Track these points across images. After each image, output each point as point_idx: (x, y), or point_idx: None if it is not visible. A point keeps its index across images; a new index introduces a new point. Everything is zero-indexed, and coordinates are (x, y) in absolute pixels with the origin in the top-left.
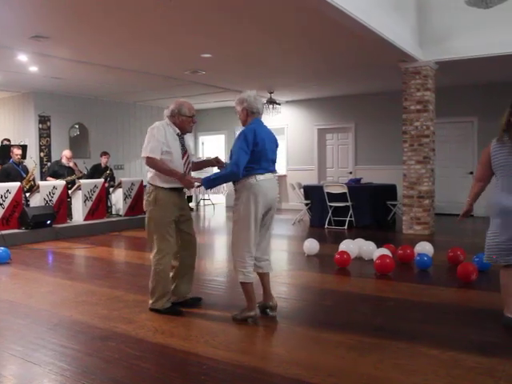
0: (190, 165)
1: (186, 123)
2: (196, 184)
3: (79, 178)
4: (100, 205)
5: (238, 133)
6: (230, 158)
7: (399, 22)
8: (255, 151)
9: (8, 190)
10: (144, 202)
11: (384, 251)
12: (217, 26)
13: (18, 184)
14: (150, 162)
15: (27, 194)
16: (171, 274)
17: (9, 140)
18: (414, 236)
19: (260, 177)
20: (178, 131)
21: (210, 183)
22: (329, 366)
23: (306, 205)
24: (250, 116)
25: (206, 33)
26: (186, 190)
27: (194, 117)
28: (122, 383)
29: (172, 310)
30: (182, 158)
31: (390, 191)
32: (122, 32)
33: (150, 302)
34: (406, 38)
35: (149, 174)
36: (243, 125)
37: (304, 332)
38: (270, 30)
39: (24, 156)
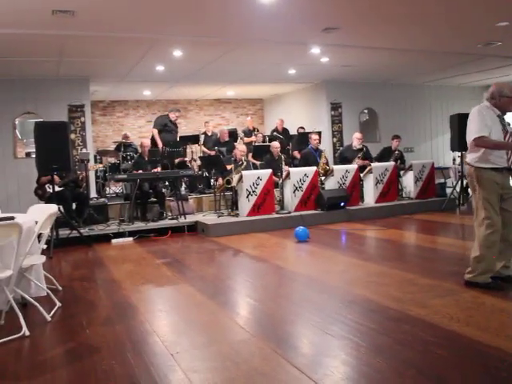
0: None
1: (507, 104)
2: None
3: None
4: (392, 187)
5: None
6: None
7: None
8: None
9: (306, 174)
10: (468, 182)
11: None
12: None
13: (314, 168)
14: (481, 141)
15: (322, 178)
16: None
17: (303, 128)
18: None
19: None
20: (498, 113)
21: None
22: None
23: None
24: None
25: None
26: None
27: None
28: (414, 366)
29: (493, 284)
30: (504, 138)
31: None
32: (407, 14)
33: (469, 275)
34: None
35: (469, 156)
36: None
37: None
38: None
39: (319, 141)
